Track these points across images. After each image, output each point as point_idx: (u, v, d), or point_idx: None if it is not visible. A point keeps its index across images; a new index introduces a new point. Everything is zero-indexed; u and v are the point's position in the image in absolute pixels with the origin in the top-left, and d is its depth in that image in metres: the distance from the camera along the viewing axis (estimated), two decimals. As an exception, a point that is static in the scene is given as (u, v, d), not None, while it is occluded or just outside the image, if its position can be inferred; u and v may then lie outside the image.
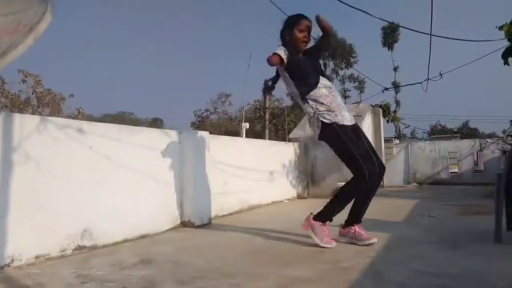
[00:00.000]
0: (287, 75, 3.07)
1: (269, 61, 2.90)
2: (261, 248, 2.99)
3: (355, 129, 3.06)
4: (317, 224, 2.97)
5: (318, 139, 3.12)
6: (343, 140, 2.93)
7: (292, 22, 3.09)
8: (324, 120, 2.96)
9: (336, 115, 2.97)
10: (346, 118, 3.01)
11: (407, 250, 2.83)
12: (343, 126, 2.96)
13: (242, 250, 2.94)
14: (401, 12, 67.40)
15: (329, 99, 3.00)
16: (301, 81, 3.05)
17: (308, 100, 3.02)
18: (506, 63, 6.56)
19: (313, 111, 3.01)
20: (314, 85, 3.01)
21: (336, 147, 3.01)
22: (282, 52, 2.94)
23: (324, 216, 3.01)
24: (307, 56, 3.17)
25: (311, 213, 3.04)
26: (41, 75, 14.02)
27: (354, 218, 3.06)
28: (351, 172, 2.96)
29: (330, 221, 3.05)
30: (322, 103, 2.98)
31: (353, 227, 3.04)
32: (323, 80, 3.05)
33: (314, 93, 3.00)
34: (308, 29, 3.09)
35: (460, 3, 70.35)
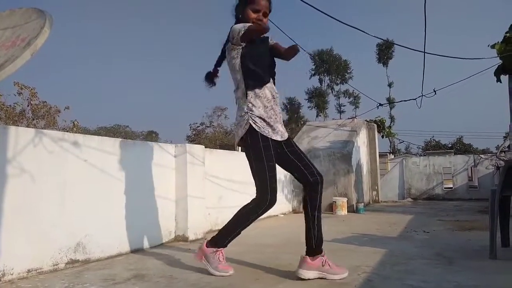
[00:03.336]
0: (238, 58, 2.59)
1: (258, 31, 2.54)
2: (255, 263, 2.97)
3: (283, 146, 2.66)
4: (210, 251, 2.64)
5: (237, 144, 2.77)
6: (261, 155, 2.52)
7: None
8: (253, 126, 2.54)
9: (267, 124, 2.57)
10: (277, 132, 2.62)
11: (402, 266, 2.83)
12: (268, 140, 2.55)
13: (236, 265, 2.92)
14: (396, 29, 68.38)
15: (270, 104, 2.61)
16: (253, 72, 2.59)
17: (249, 97, 2.59)
18: (498, 80, 6.68)
19: (247, 110, 2.58)
20: (264, 82, 2.61)
21: (252, 159, 2.58)
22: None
23: (218, 241, 2.67)
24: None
25: (205, 239, 2.75)
26: (37, 88, 14.04)
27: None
28: (256, 191, 2.59)
29: (224, 247, 2.70)
30: (259, 107, 2.57)
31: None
32: (271, 83, 2.68)
33: (259, 91, 2.59)
34: (265, 9, 2.60)
35: (455, 20, 71.42)
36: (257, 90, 2.58)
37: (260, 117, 2.55)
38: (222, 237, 2.68)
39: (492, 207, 3.10)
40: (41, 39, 1.79)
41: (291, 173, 2.73)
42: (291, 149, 2.68)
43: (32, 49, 1.75)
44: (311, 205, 2.58)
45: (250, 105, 2.57)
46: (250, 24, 2.51)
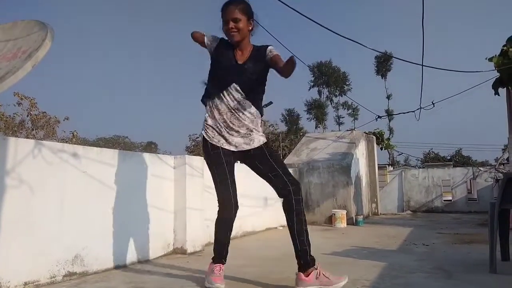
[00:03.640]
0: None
1: (191, 35, 2.69)
2: (254, 277, 2.95)
3: (253, 157, 2.65)
4: (210, 265, 2.67)
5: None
6: (211, 164, 2.62)
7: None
8: (204, 135, 2.63)
9: (218, 134, 2.60)
10: (230, 143, 2.60)
11: (402, 279, 2.81)
12: (218, 148, 2.58)
13: (234, 278, 2.90)
14: (395, 41, 68.93)
15: (225, 117, 2.58)
16: (210, 80, 2.70)
17: (207, 107, 2.69)
18: (496, 93, 6.71)
19: (204, 120, 2.69)
20: (216, 92, 2.62)
21: (207, 166, 2.69)
22: (211, 38, 2.64)
23: (214, 256, 2.68)
24: (252, 57, 2.60)
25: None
26: (37, 98, 14.07)
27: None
28: None
29: (220, 262, 2.66)
30: (213, 117, 2.62)
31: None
32: (230, 96, 2.57)
33: (212, 103, 2.63)
34: (231, 16, 2.51)
35: (453, 33, 72.13)
36: (210, 102, 2.64)
37: (211, 126, 2.62)
38: (214, 252, 2.69)
39: (492, 221, 3.10)
40: (42, 51, 1.80)
41: (269, 184, 2.68)
42: (262, 160, 2.64)
43: (33, 61, 1.76)
44: (289, 218, 2.54)
45: (206, 115, 2.67)
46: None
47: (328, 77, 46.38)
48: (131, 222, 3.55)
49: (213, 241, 2.74)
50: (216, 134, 2.60)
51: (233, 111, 2.58)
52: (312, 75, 46.99)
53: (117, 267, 3.32)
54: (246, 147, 2.63)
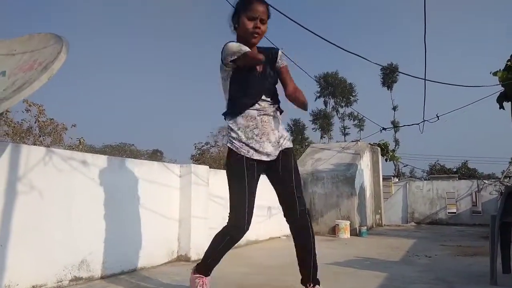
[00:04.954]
0: (228, 80, 2.37)
1: (253, 59, 2.24)
2: (257, 284, 2.99)
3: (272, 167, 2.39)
4: (194, 277, 2.50)
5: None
6: (230, 174, 2.36)
7: (241, 7, 2.30)
8: (230, 146, 2.34)
9: (245, 145, 2.30)
10: (261, 152, 2.31)
11: (402, 290, 2.84)
12: (242, 159, 2.29)
13: (238, 285, 2.94)
14: (401, 51, 69.03)
15: (254, 123, 2.32)
16: (238, 99, 2.35)
17: (227, 119, 2.40)
18: (501, 107, 6.74)
19: (227, 132, 2.41)
20: (244, 111, 2.32)
21: (227, 178, 2.38)
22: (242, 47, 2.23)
23: (200, 267, 2.50)
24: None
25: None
26: (45, 105, 14.24)
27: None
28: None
29: (207, 275, 2.49)
30: (238, 129, 2.32)
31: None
32: (261, 103, 2.34)
33: (238, 118, 2.34)
34: (262, 15, 2.25)
35: (458, 43, 72.15)
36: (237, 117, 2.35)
37: (238, 139, 2.32)
38: (204, 265, 2.52)
39: (492, 233, 3.13)
40: (57, 63, 1.88)
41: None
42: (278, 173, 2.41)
43: (49, 73, 1.84)
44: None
45: (229, 127, 2.39)
46: (248, 50, 2.20)
47: (334, 88, 46.55)
48: (136, 229, 3.61)
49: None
50: (242, 144, 2.34)
51: (263, 116, 2.37)
52: (318, 86, 47.19)
53: (122, 272, 3.37)
54: (275, 155, 2.39)
